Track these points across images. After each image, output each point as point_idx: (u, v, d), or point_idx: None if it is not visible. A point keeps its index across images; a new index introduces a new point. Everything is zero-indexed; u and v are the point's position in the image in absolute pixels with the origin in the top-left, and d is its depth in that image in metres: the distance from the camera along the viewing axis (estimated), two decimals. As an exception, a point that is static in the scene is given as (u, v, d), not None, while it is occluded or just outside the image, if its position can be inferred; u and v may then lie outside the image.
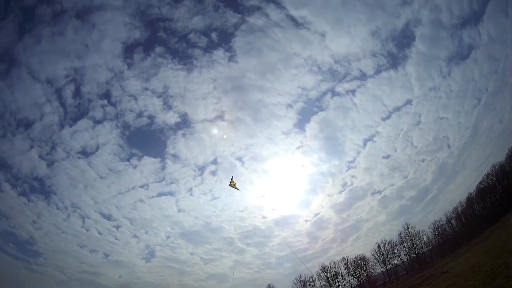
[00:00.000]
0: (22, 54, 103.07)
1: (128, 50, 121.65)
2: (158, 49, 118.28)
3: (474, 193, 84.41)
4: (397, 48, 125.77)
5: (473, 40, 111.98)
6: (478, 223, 73.83)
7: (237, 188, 33.98)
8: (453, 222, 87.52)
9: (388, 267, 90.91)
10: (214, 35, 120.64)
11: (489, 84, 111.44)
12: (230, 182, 33.18)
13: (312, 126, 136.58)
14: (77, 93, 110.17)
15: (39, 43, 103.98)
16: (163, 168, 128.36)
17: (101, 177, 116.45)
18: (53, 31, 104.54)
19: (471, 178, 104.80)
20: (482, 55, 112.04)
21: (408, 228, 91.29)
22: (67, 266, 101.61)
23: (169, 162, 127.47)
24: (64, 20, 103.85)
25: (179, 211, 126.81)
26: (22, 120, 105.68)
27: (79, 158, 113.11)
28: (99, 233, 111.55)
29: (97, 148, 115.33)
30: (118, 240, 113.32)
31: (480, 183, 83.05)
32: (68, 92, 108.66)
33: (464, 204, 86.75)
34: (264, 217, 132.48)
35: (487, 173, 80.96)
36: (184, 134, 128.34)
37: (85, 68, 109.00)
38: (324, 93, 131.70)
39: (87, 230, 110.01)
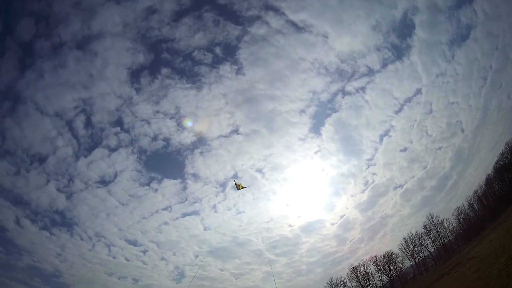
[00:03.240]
0: (26, 90, 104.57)
1: (134, 75, 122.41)
2: (164, 71, 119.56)
3: (492, 173, 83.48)
4: (399, 39, 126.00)
5: (470, 20, 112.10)
6: (498, 203, 72.86)
7: (245, 187, 34.41)
8: (475, 206, 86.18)
9: (416, 260, 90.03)
10: (218, 50, 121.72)
11: (492, 61, 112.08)
12: (237, 187, 33.40)
13: (327, 129, 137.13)
14: (88, 123, 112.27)
15: (42, 77, 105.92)
16: (185, 188, 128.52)
17: (122, 204, 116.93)
18: (54, 64, 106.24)
19: (487, 159, 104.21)
20: (481, 33, 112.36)
21: (432, 218, 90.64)
22: None
23: (189, 182, 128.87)
24: (64, 52, 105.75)
25: (205, 229, 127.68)
26: (35, 156, 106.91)
27: (98, 187, 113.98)
28: (126, 259, 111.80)
29: (115, 175, 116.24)
30: (146, 264, 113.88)
31: (497, 162, 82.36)
32: (79, 123, 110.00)
33: (483, 186, 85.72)
34: (290, 226, 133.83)
35: (502, 152, 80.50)
36: (201, 153, 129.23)
37: (93, 97, 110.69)
38: (335, 94, 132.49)
39: (114, 258, 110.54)
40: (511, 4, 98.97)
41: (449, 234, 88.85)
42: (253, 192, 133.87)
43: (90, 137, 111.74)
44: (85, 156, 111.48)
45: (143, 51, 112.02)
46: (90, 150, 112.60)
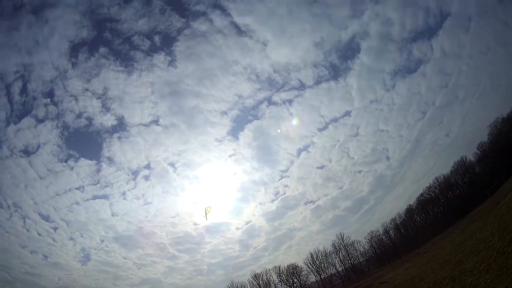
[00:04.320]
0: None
1: (74, 49, 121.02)
2: (102, 50, 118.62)
3: (415, 204, 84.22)
4: (340, 60, 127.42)
5: (424, 55, 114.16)
6: (419, 234, 72.21)
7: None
8: (391, 232, 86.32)
9: (322, 276, 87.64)
10: (157, 39, 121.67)
11: (436, 98, 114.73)
12: (205, 213, 33.23)
13: (246, 134, 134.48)
14: (23, 90, 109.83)
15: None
16: (98, 170, 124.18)
17: (40, 177, 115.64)
18: (10, 24, 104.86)
19: (411, 190, 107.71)
20: (432, 70, 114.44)
21: (342, 238, 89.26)
22: (12, 266, 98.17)
23: (104, 165, 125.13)
24: (21, 14, 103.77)
25: (112, 215, 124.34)
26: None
27: (21, 157, 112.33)
28: (39, 234, 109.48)
29: (38, 147, 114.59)
30: (56, 242, 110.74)
31: (421, 195, 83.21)
32: (16, 88, 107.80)
33: (403, 215, 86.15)
34: (195, 224, 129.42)
35: (429, 185, 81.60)
36: (119, 138, 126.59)
37: (33, 65, 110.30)
38: (261, 102, 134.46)
39: (28, 231, 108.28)
40: (477, 46, 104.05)
41: (359, 256, 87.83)
42: (163, 185, 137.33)
43: (23, 105, 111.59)
44: (15, 123, 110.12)
45: (88, 26, 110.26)
46: (20, 117, 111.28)
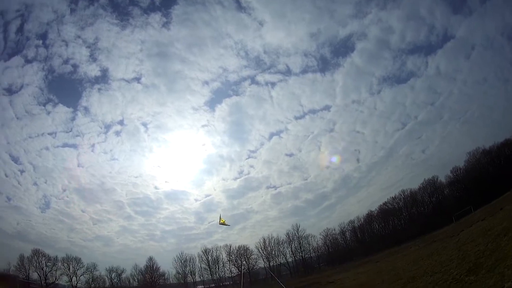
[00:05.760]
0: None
1: None
2: (103, 0, 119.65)
3: (376, 211, 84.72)
4: (331, 55, 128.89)
5: (417, 69, 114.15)
6: (375, 242, 72.92)
7: (227, 225, 35.85)
8: (347, 234, 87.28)
9: (271, 264, 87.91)
10: None
11: (420, 113, 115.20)
12: (220, 220, 33.62)
13: (222, 108, 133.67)
14: (20, 29, 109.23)
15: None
16: (73, 119, 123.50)
17: (17, 118, 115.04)
18: None
19: (375, 196, 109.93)
20: (422, 85, 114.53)
21: (297, 229, 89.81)
22: None
23: (79, 114, 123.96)
24: None
25: (78, 165, 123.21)
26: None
27: (4, 95, 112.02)
28: (6, 175, 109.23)
29: (21, 87, 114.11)
30: (21, 185, 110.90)
31: (385, 203, 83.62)
32: (13, 26, 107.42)
33: (362, 219, 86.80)
34: (156, 188, 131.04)
35: (394, 196, 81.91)
36: (100, 89, 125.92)
37: (35, 6, 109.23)
38: (244, 79, 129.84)
39: None
40: (475, 74, 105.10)
41: (312, 251, 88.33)
42: (132, 143, 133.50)
43: (16, 43, 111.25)
44: (5, 60, 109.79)
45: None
46: (11, 55, 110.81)
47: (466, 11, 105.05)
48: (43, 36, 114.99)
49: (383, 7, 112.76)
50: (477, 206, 53.66)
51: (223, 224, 33.26)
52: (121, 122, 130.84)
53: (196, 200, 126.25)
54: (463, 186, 67.43)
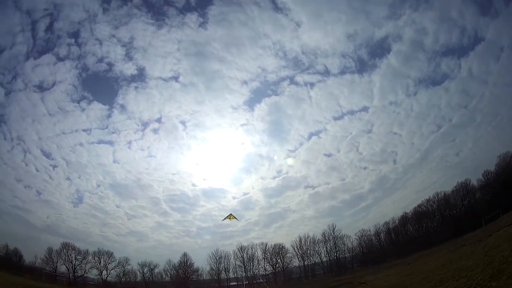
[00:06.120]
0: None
1: None
2: (136, 1, 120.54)
3: (410, 213, 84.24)
4: (368, 56, 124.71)
5: (451, 71, 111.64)
6: (408, 244, 73.03)
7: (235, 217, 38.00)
8: (382, 235, 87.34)
9: (306, 263, 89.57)
10: None
11: (454, 115, 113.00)
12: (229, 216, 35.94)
13: (261, 107, 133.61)
14: (49, 28, 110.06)
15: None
16: (109, 116, 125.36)
17: (50, 114, 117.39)
18: None
19: (410, 198, 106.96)
20: (456, 87, 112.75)
21: (333, 229, 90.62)
22: (2, 198, 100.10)
23: (116, 111, 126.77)
24: None
25: (114, 161, 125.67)
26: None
27: (34, 91, 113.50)
28: (37, 169, 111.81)
29: (53, 84, 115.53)
30: (52, 180, 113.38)
31: (419, 206, 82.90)
32: (42, 25, 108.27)
33: (397, 221, 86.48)
34: (193, 185, 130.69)
35: (429, 199, 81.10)
36: (136, 87, 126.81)
37: (64, 5, 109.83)
38: (283, 79, 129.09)
39: (26, 165, 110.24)
40: (504, 77, 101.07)
41: (346, 251, 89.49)
42: (170, 141, 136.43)
43: (46, 41, 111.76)
44: (35, 58, 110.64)
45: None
46: (41, 53, 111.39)
47: (493, 13, 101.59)
48: (75, 35, 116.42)
49: (416, 8, 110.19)
50: (506, 211, 52.99)
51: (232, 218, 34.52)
52: (158, 120, 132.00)
53: (234, 198, 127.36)
54: (493, 190, 65.97)
